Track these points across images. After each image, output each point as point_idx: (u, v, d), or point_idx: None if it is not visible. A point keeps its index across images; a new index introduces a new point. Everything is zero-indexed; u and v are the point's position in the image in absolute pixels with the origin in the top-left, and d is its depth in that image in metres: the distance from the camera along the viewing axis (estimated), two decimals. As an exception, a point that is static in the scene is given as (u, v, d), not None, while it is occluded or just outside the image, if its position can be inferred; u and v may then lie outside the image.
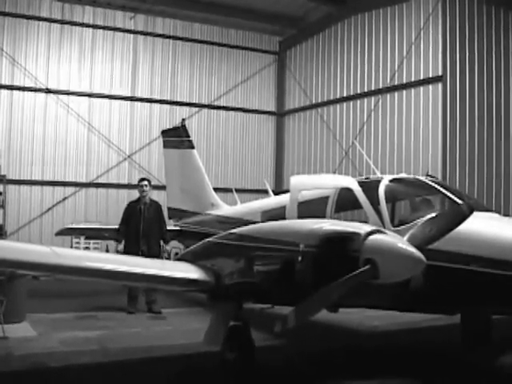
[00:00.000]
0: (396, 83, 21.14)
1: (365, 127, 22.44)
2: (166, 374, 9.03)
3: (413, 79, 20.48)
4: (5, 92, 22.39)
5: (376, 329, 12.32)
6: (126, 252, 13.65)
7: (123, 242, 14.15)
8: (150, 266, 8.54)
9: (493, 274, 7.39)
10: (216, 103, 26.24)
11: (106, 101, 24.13)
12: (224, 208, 16.28)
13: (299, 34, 26.53)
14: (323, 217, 10.02)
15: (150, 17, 25.01)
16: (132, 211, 14.04)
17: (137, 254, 13.01)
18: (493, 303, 7.88)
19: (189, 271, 8.41)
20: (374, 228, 7.22)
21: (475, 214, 7.28)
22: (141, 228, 13.73)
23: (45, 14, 23.07)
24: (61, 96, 23.18)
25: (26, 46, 22.75)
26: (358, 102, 23.02)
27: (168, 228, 16.68)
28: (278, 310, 8.45)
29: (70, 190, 23.19)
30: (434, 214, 7.83)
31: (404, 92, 20.92)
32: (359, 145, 21.37)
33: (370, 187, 9.87)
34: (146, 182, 14.26)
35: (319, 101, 25.14)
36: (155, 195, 23.62)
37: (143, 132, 24.67)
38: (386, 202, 9.46)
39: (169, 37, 25.44)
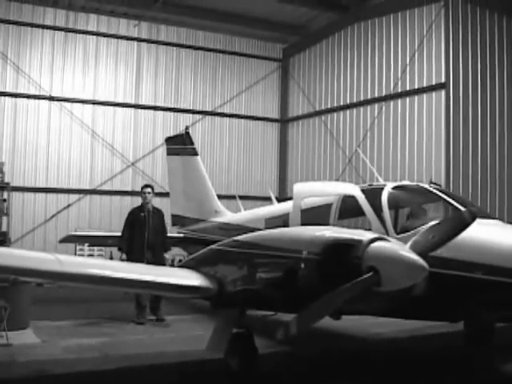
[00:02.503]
0: (399, 90, 21.15)
1: (368, 134, 22.45)
2: (169, 381, 9.05)
3: (416, 86, 20.49)
4: (9, 100, 22.45)
5: (379, 336, 12.31)
6: (130, 260, 13.27)
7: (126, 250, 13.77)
8: (153, 274, 8.57)
9: (495, 281, 7.39)
10: (219, 110, 26.27)
11: (110, 108, 24.17)
12: (227, 215, 16.30)
13: (302, 41, 26.59)
14: (326, 224, 10.01)
15: (153, 24, 25.07)
16: (136, 218, 13.74)
17: (142, 262, 12.66)
18: (496, 310, 7.88)
19: (192, 278, 8.43)
20: (376, 235, 7.24)
21: (478, 220, 7.30)
22: (146, 236, 13.48)
23: (49, 21, 23.14)
24: (65, 103, 23.25)
25: (30, 53, 22.82)
26: (362, 109, 23.03)
27: (172, 235, 16.78)
28: (281, 317, 8.43)
29: (73, 197, 23.21)
30: (436, 221, 7.84)
31: (407, 99, 20.93)
32: (363, 152, 21.38)
33: (373, 194, 9.88)
34: (149, 189, 14.05)
35: (323, 108, 25.15)
36: (159, 202, 23.76)
37: (147, 139, 24.71)
38: (389, 209, 9.46)
39: (173, 44, 25.49)
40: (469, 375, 9.47)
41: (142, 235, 13.51)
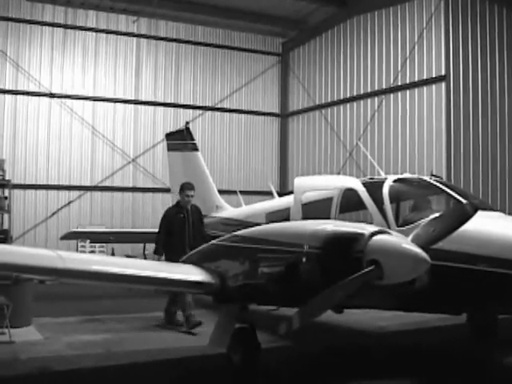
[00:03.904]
0: (399, 83, 21.13)
1: (369, 128, 22.43)
2: (172, 376, 9.05)
3: (416, 79, 20.48)
4: (9, 97, 22.45)
5: (382, 329, 12.31)
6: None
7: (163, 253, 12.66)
8: (156, 269, 8.57)
9: (497, 273, 7.38)
10: (220, 105, 26.25)
11: (110, 104, 24.17)
12: (228, 210, 16.29)
13: (302, 35, 26.53)
14: (327, 218, 10.01)
15: (152, 20, 25.04)
16: (173, 220, 12.56)
17: None
18: (498, 302, 7.87)
19: (194, 273, 8.43)
20: (377, 228, 7.22)
21: (480, 213, 7.27)
22: (186, 237, 12.39)
23: (48, 18, 23.13)
24: (65, 100, 23.24)
25: (29, 50, 22.81)
26: (362, 102, 23.02)
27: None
28: (284, 311, 8.43)
29: (74, 193, 23.22)
30: (438, 214, 7.82)
31: (407, 92, 20.92)
32: (363, 145, 21.38)
33: (374, 188, 9.88)
34: (193, 192, 12.85)
35: (323, 102, 25.13)
36: (159, 198, 23.82)
37: (147, 135, 24.70)
38: (391, 202, 9.45)
39: (172, 40, 25.47)
40: (473, 369, 9.45)
41: (182, 236, 12.40)
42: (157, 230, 12.87)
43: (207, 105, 25.98)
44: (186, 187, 12.90)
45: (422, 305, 8.22)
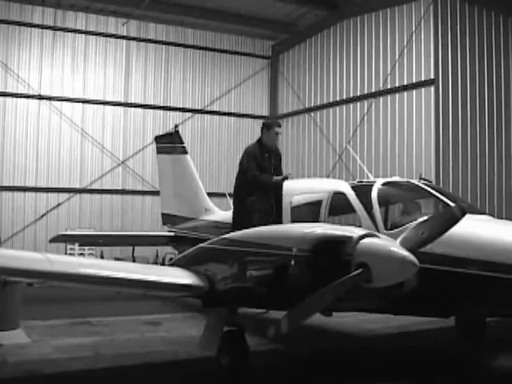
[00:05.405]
0: (389, 87, 21.20)
1: (358, 131, 22.48)
2: (161, 379, 9.02)
3: (405, 83, 20.55)
4: (-2, 99, 22.42)
5: (370, 332, 12.32)
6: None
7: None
8: (145, 272, 8.54)
9: (485, 276, 7.42)
10: (209, 108, 26.26)
11: (100, 107, 24.13)
12: (218, 213, 16.25)
13: (292, 38, 26.58)
14: (316, 221, 10.02)
15: (142, 22, 25.02)
16: (258, 161, 11.11)
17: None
18: (486, 305, 7.90)
19: (182, 277, 8.40)
20: (366, 231, 7.24)
21: (468, 216, 7.31)
22: None
23: (37, 20, 23.07)
24: (54, 102, 23.18)
25: (18, 52, 22.75)
26: (351, 105, 23.06)
27: (162, 233, 16.84)
28: (273, 314, 8.43)
29: (63, 196, 23.16)
30: (426, 217, 7.85)
31: (397, 95, 20.98)
32: (352, 149, 21.40)
33: (363, 191, 9.89)
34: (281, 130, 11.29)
35: (312, 105, 25.17)
36: (149, 201, 23.79)
37: (137, 138, 24.66)
38: (379, 206, 9.47)
39: (161, 42, 25.47)
40: (462, 371, 9.49)
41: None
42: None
43: (197, 107, 25.98)
44: (275, 123, 11.35)
45: (411, 308, 8.25)
